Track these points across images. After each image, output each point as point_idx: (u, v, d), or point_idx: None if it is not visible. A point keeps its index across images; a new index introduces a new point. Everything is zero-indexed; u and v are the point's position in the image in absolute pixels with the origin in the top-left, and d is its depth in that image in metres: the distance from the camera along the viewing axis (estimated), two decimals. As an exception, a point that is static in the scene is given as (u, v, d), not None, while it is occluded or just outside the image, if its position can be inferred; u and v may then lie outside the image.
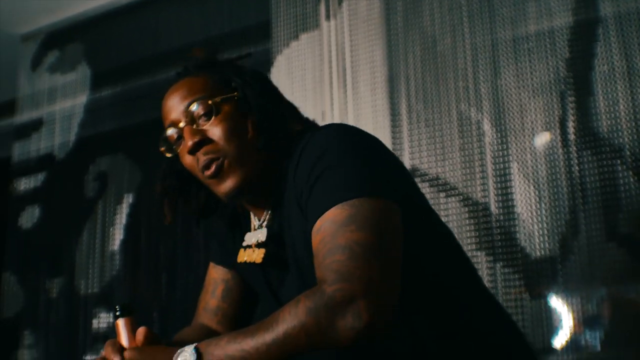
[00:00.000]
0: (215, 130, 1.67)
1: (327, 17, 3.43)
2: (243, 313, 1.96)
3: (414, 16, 3.18)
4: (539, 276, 2.80)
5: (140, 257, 4.12)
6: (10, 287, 4.52)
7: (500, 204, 2.89)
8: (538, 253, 2.81)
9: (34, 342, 4.38)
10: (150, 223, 4.12)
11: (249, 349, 1.41)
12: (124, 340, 1.57)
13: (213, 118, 1.68)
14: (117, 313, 1.59)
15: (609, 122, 2.79)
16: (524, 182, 2.87)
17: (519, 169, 2.86)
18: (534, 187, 2.86)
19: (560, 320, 2.79)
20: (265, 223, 1.75)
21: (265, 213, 1.75)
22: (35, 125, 4.66)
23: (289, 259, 1.66)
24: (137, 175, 4.21)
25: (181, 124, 1.69)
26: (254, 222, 1.80)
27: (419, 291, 1.59)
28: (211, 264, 1.98)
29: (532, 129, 2.92)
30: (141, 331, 1.57)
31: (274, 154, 1.70)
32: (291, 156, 1.64)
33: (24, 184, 4.67)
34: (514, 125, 2.95)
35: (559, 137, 2.87)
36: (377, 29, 3.16)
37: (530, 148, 2.90)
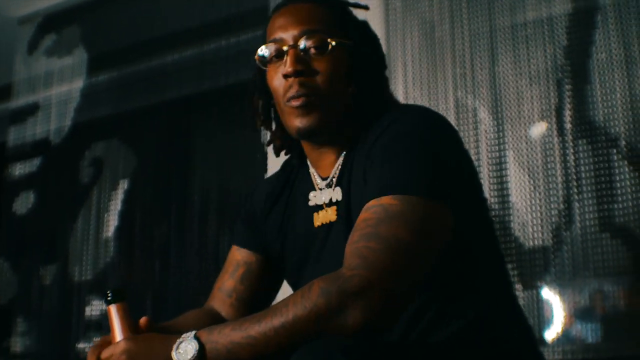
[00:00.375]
0: (320, 67, 1.65)
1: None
2: (260, 299, 1.90)
3: (413, 1, 3.17)
4: (531, 266, 2.79)
5: (134, 243, 4.11)
6: (4, 273, 4.52)
7: (495, 193, 2.88)
8: (531, 243, 2.80)
9: (27, 329, 4.37)
10: (145, 210, 4.11)
11: (256, 335, 1.37)
12: (116, 327, 1.51)
13: (323, 55, 1.66)
14: (109, 298, 1.53)
15: (605, 111, 2.78)
16: (519, 170, 2.86)
17: (514, 158, 2.85)
18: (529, 176, 2.85)
19: (553, 312, 2.78)
20: (334, 180, 1.72)
21: (335, 168, 1.73)
22: (32, 110, 4.65)
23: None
24: (133, 161, 4.20)
25: (289, 44, 1.66)
26: (316, 180, 1.77)
27: (459, 279, 1.59)
28: (234, 247, 1.93)
29: (529, 117, 2.91)
30: (143, 322, 1.55)
31: (361, 112, 1.70)
32: (376, 124, 1.63)
33: (19, 169, 4.67)
34: (511, 113, 2.93)
35: (554, 126, 2.85)
36: (375, 13, 3.13)
37: (526, 136, 2.89)
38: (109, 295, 1.53)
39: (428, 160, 1.51)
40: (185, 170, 4.00)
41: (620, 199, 2.71)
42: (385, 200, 1.46)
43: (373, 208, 1.46)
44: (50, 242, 4.40)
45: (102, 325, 4.05)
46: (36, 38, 4.71)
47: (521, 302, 2.76)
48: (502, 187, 2.88)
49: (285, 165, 1.93)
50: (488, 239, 1.71)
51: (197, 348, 1.38)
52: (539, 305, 2.78)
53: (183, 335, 1.41)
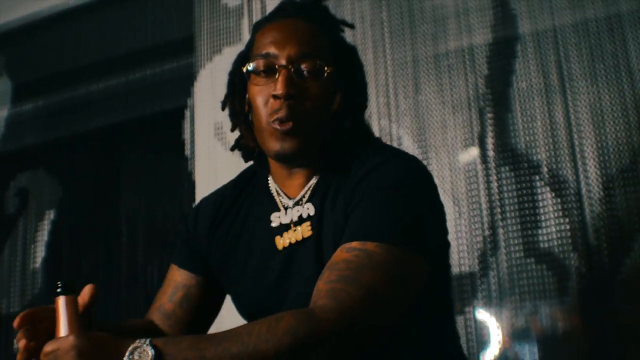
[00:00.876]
0: (313, 92, 1.64)
1: (250, 31, 3.41)
2: (199, 322, 1.87)
3: (335, 31, 3.19)
4: (460, 292, 2.80)
5: (62, 274, 4.04)
6: None
7: (421, 220, 2.89)
8: (458, 269, 2.82)
9: (-47, 364, 4.26)
10: (72, 240, 4.04)
11: (211, 358, 1.31)
12: (62, 320, 1.39)
13: (317, 81, 1.64)
14: (58, 290, 1.41)
15: (527, 139, 2.82)
16: (444, 198, 2.84)
17: (439, 185, 2.85)
18: (454, 203, 2.87)
19: (484, 336, 2.79)
20: (304, 199, 1.70)
21: (306, 188, 1.70)
22: (-46, 139, 4.55)
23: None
24: (59, 190, 4.13)
25: (282, 63, 1.64)
26: (282, 201, 1.73)
27: (417, 325, 1.60)
28: (173, 266, 1.89)
29: (452, 145, 2.93)
30: (88, 289, 1.49)
31: (341, 138, 1.70)
32: (362, 156, 1.64)
33: (-58, 200, 4.56)
34: (435, 142, 2.96)
35: (478, 153, 2.88)
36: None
37: (450, 164, 2.91)
38: (59, 285, 1.41)
39: (413, 213, 1.52)
40: (111, 199, 3.95)
41: (543, 224, 2.74)
42: (369, 246, 1.45)
43: (355, 251, 1.45)
44: (-24, 274, 4.30)
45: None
46: (-42, 67, 4.62)
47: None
48: (428, 214, 2.89)
49: (237, 180, 1.90)
50: (446, 285, 1.75)
51: (153, 356, 1.30)
52: (468, 330, 2.79)
53: (137, 341, 1.32)
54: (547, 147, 2.78)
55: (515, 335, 2.75)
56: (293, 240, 1.67)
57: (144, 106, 3.83)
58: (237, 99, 1.78)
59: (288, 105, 1.61)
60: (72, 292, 1.42)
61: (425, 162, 2.82)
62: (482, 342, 2.79)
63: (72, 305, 1.40)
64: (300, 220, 1.68)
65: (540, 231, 2.75)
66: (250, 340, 1.32)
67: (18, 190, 4.26)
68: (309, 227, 1.65)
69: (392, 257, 1.44)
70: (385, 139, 2.97)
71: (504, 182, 2.82)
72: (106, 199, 3.96)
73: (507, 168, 2.82)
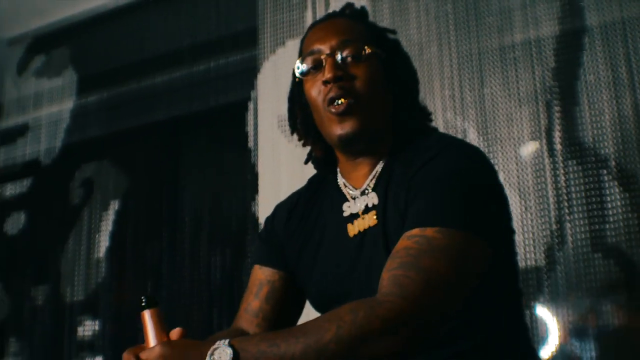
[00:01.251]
0: (358, 72, 1.70)
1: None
2: (286, 317, 1.91)
3: (401, 23, 3.18)
4: (525, 286, 2.78)
5: (126, 264, 4.10)
6: (-4, 293, 4.50)
7: (486, 214, 2.88)
8: (524, 263, 2.80)
9: (19, 350, 4.35)
10: (136, 230, 4.09)
11: (284, 349, 1.39)
12: (150, 332, 1.52)
13: (361, 63, 1.71)
14: (143, 304, 1.54)
15: (594, 132, 2.79)
16: (510, 191, 2.85)
17: (505, 179, 2.84)
18: (520, 197, 2.85)
19: (547, 331, 2.77)
20: (369, 188, 1.74)
21: (370, 177, 1.74)
22: (21, 131, 4.64)
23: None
24: (123, 181, 4.19)
25: (326, 53, 1.72)
26: (349, 191, 1.78)
27: (486, 313, 1.60)
28: (256, 267, 1.94)
29: (518, 138, 2.91)
30: (177, 332, 1.54)
31: (399, 124, 1.76)
32: (421, 145, 1.67)
33: (10, 190, 4.65)
34: (500, 135, 2.94)
35: (544, 147, 2.86)
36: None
37: (516, 157, 2.89)
38: (144, 300, 1.54)
39: (472, 198, 1.54)
40: (175, 190, 3.99)
41: (611, 219, 2.71)
42: (429, 232, 1.48)
43: (415, 238, 1.48)
44: (41, 263, 4.38)
45: (95, 345, 4.04)
46: (25, 59, 4.70)
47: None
48: (493, 207, 2.88)
49: (309, 184, 1.96)
50: (513, 273, 1.74)
51: (232, 354, 1.39)
52: (534, 324, 2.78)
53: (217, 342, 1.41)
54: (615, 141, 2.75)
55: (576, 332, 2.73)
56: (362, 228, 1.70)
57: (208, 98, 3.86)
58: (299, 109, 1.84)
59: (338, 86, 1.68)
60: (155, 306, 1.54)
61: (490, 156, 2.82)
62: (541, 337, 2.77)
63: (157, 318, 1.53)
64: (367, 210, 1.71)
65: (607, 226, 2.72)
66: (316, 332, 1.38)
67: (83, 181, 4.33)
68: (374, 216, 1.68)
69: (451, 241, 1.46)
70: (451, 132, 2.96)
71: (571, 176, 2.79)
72: (170, 190, 4.01)
73: (574, 162, 2.79)
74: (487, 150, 2.92)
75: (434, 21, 3.15)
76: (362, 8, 1.89)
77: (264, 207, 3.35)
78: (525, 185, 2.85)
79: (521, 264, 2.79)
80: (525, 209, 2.83)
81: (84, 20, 4.46)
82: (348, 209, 1.75)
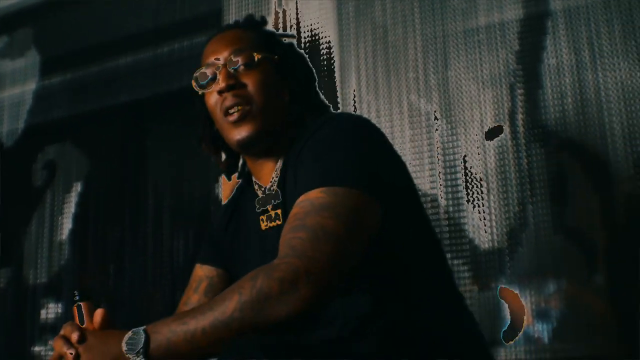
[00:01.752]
0: (251, 80, 1.79)
1: (279, 5, 3.41)
2: None
3: (365, 5, 3.18)
4: (487, 268, 2.81)
5: (89, 246, 4.08)
6: (-43, 276, 4.45)
7: (449, 196, 2.90)
8: (486, 245, 2.82)
9: (-19, 333, 4.32)
10: (99, 213, 4.07)
11: (192, 325, 1.44)
12: (80, 323, 1.61)
13: (252, 70, 1.80)
14: (76, 298, 1.64)
15: (557, 115, 2.81)
16: (474, 174, 2.88)
17: (468, 161, 2.87)
18: (483, 179, 2.87)
19: (509, 313, 2.80)
20: (274, 185, 1.82)
21: (273, 174, 1.83)
22: (-17, 112, 4.58)
23: None
24: (86, 164, 4.16)
25: (220, 64, 1.80)
26: (258, 190, 1.89)
27: (391, 275, 1.66)
28: (197, 265, 2.05)
29: (482, 121, 2.93)
30: (99, 312, 1.60)
31: (296, 121, 1.85)
32: (307, 130, 1.75)
33: (-30, 172, 4.59)
34: (464, 117, 2.96)
35: (508, 130, 2.88)
36: (328, 18, 3.16)
37: (479, 140, 2.91)
38: (77, 294, 1.65)
39: (353, 155, 1.62)
40: (139, 173, 3.98)
41: (572, 201, 2.74)
42: (313, 194, 1.55)
43: (302, 203, 1.55)
44: (4, 245, 4.34)
45: (57, 328, 4.00)
46: (-13, 40, 4.64)
47: (477, 303, 2.79)
48: (456, 190, 2.90)
49: (240, 183, 2.06)
50: (423, 237, 1.78)
51: (145, 338, 1.45)
52: (496, 306, 2.80)
53: (134, 329, 1.49)
54: (577, 124, 2.77)
55: (538, 313, 2.76)
56: (274, 224, 1.81)
57: (172, 80, 3.84)
58: (204, 120, 1.94)
59: (232, 94, 1.78)
60: (88, 299, 1.66)
61: (453, 138, 2.84)
62: (504, 320, 2.79)
63: (88, 310, 1.63)
64: (275, 206, 1.82)
65: (569, 208, 2.75)
66: (221, 304, 1.45)
67: (46, 163, 4.30)
68: (279, 212, 1.79)
69: (334, 198, 1.53)
70: (415, 114, 2.98)
71: (534, 158, 2.81)
72: (133, 172, 3.99)
73: (537, 145, 2.82)
74: (450, 133, 2.94)
75: (399, 3, 3.16)
76: (262, 18, 1.99)
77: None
78: (489, 167, 2.87)
79: (484, 245, 2.81)
80: (488, 191, 2.85)
81: (47, 1, 4.40)
82: (259, 204, 1.85)
